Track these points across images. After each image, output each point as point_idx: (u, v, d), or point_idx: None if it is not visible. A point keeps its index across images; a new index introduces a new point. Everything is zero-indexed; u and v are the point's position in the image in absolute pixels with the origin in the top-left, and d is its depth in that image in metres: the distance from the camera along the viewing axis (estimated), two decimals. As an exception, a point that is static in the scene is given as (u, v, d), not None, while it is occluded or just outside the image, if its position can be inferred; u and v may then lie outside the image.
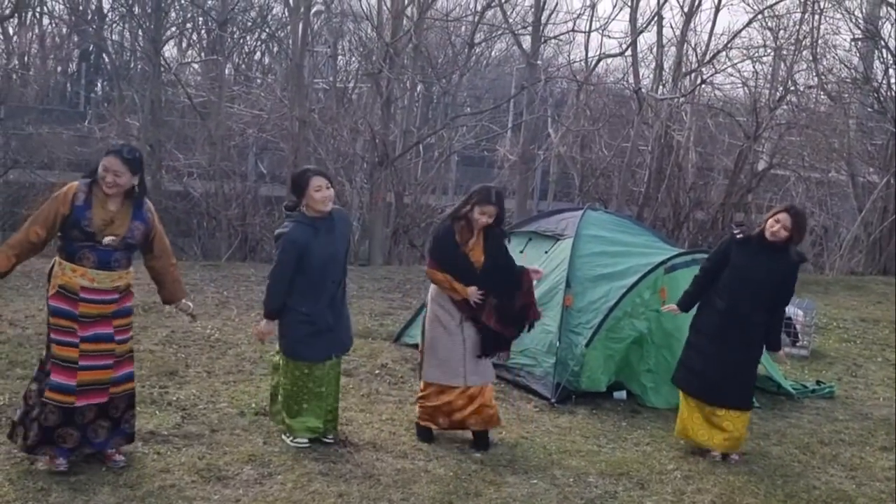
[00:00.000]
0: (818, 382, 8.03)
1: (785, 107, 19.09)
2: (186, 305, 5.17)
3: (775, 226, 5.57)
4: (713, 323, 5.73)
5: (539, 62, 19.54)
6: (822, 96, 20.26)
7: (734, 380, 5.75)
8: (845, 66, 20.48)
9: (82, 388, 4.68)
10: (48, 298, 4.69)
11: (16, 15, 19.20)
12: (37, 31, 26.62)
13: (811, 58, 19.12)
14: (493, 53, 27.29)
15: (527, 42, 17.95)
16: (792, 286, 5.78)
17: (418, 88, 18.56)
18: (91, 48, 24.90)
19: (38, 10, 24.12)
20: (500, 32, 19.28)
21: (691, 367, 5.83)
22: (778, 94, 18.19)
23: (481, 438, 5.75)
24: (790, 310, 8.87)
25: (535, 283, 5.93)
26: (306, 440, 5.44)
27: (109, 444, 4.91)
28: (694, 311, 6.00)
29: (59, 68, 28.78)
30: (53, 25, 26.14)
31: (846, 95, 20.04)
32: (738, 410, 5.82)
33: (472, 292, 5.53)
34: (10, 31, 23.60)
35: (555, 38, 18.84)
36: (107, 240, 4.60)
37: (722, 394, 5.77)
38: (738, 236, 5.76)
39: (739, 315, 5.63)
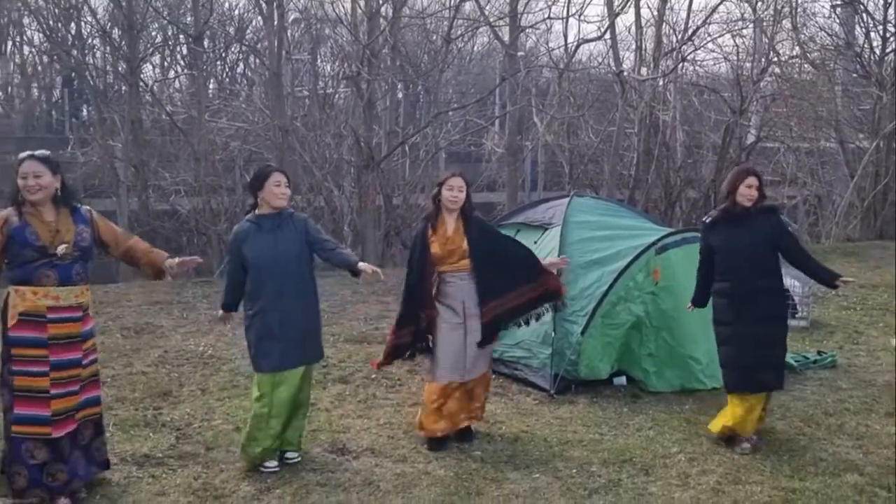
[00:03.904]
0: (819, 353, 7.95)
1: (769, 79, 19.02)
2: (171, 264, 4.89)
3: (749, 191, 5.55)
4: (725, 306, 5.61)
5: (521, 53, 19.44)
6: (806, 65, 20.19)
7: (768, 360, 5.58)
8: (826, 33, 20.46)
9: (57, 418, 4.55)
10: (8, 330, 4.54)
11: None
12: (17, 60, 26.54)
13: (791, 27, 19.04)
14: (475, 48, 27.24)
15: (506, 33, 17.85)
16: (785, 230, 5.71)
17: (399, 88, 18.44)
18: (72, 74, 24.81)
19: (17, 40, 24.05)
20: (477, 26, 19.16)
21: (732, 364, 5.58)
22: (761, 66, 18.09)
23: (465, 432, 5.71)
24: (787, 281, 8.76)
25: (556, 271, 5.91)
26: (275, 464, 5.22)
27: (88, 476, 4.81)
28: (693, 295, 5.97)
29: (42, 96, 28.71)
30: (34, 54, 26.07)
31: (829, 63, 19.97)
32: (775, 391, 5.76)
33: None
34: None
35: (532, 27, 18.71)
36: (61, 249, 4.49)
37: (762, 379, 5.56)
38: (707, 221, 5.76)
39: (744, 286, 5.53)
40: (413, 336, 5.64)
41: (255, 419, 5.15)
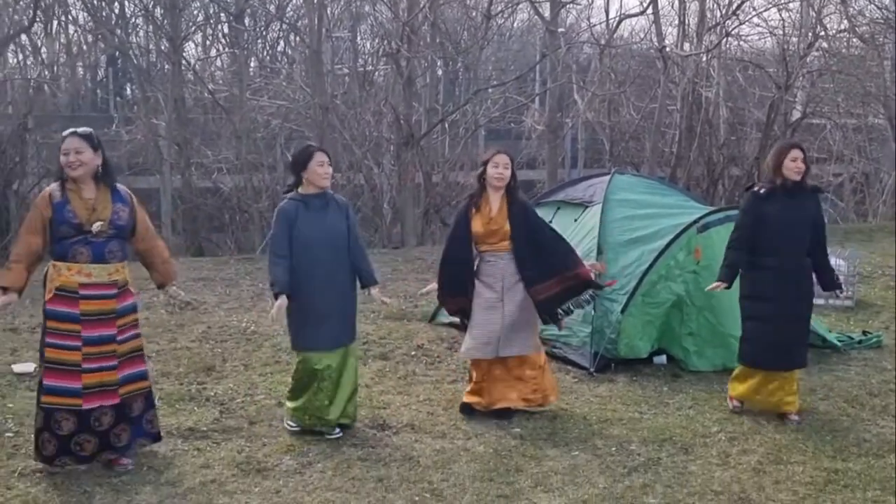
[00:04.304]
0: (864, 333, 7.85)
1: (816, 53, 18.61)
2: (177, 292, 5.19)
3: (795, 164, 5.51)
4: (767, 284, 5.54)
5: (562, 29, 19.25)
6: (854, 39, 19.73)
7: (802, 338, 5.66)
8: (876, 6, 19.89)
9: (89, 391, 4.66)
10: (45, 303, 4.66)
11: (39, 24, 19.39)
12: (63, 40, 26.85)
13: (839, 0, 18.60)
14: (515, 24, 26.97)
15: (546, 9, 17.67)
16: (822, 218, 5.72)
17: (439, 65, 18.39)
18: (116, 53, 25.08)
19: (62, 19, 24.31)
20: (517, 1, 18.99)
21: (762, 340, 5.58)
22: (807, 40, 17.72)
23: (504, 410, 5.75)
24: (833, 261, 8.65)
25: (593, 274, 5.87)
26: (296, 425, 5.40)
27: (133, 447, 4.92)
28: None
29: (87, 75, 29.04)
30: (79, 34, 26.34)
31: (879, 37, 19.49)
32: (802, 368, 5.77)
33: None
34: (38, 42, 23.85)
35: (572, 2, 18.50)
36: (95, 226, 4.58)
37: (794, 357, 5.63)
38: (761, 192, 5.63)
39: (792, 267, 5.52)
40: (469, 303, 5.70)
41: (298, 384, 5.34)
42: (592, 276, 5.81)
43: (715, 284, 5.78)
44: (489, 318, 5.62)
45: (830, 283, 5.80)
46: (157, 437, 5.08)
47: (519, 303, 5.63)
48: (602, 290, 5.98)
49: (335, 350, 5.30)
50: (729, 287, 5.75)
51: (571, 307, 5.77)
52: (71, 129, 4.70)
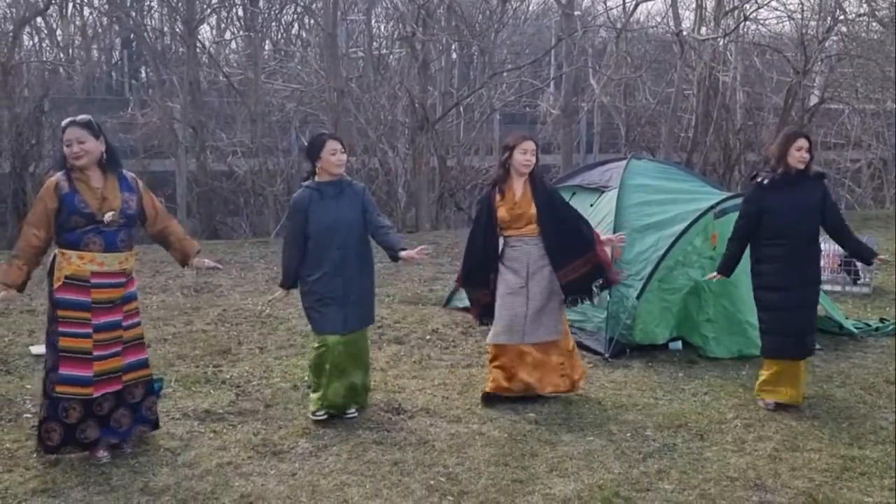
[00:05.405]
0: (881, 320, 7.80)
1: (834, 38, 18.43)
2: (201, 262, 5.10)
3: (800, 153, 5.49)
4: (779, 274, 5.51)
5: (577, 12, 19.13)
6: (874, 24, 19.52)
7: (812, 325, 5.64)
8: (897, -11, 19.67)
9: (98, 378, 4.67)
10: (53, 292, 4.62)
11: (55, 6, 19.40)
12: (78, 22, 26.90)
13: (860, -16, 18.42)
14: (530, 7, 26.83)
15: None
16: (831, 201, 5.69)
17: (454, 48, 18.32)
18: (131, 35, 25.10)
19: (78, 1, 24.37)
20: (533, -16, 18.88)
21: (782, 331, 5.53)
22: (826, 24, 17.54)
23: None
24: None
25: (608, 249, 5.83)
26: (323, 413, 5.37)
27: (132, 433, 4.92)
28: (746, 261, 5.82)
29: (102, 58, 29.10)
30: (94, 16, 26.38)
31: (899, 21, 19.29)
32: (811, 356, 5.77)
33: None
34: (53, 24, 23.91)
35: (589, -15, 18.40)
36: (108, 216, 4.56)
37: (807, 345, 5.61)
38: (764, 182, 5.59)
39: (800, 254, 5.50)
40: (490, 297, 5.69)
41: (316, 370, 5.32)
42: (609, 253, 5.80)
43: (712, 274, 5.96)
44: (514, 302, 5.60)
45: (865, 255, 5.81)
46: (155, 424, 5.07)
47: (544, 287, 5.61)
48: (612, 286, 5.94)
49: (344, 333, 5.29)
50: (728, 276, 5.87)
51: (595, 289, 5.76)
52: (69, 119, 4.65)
